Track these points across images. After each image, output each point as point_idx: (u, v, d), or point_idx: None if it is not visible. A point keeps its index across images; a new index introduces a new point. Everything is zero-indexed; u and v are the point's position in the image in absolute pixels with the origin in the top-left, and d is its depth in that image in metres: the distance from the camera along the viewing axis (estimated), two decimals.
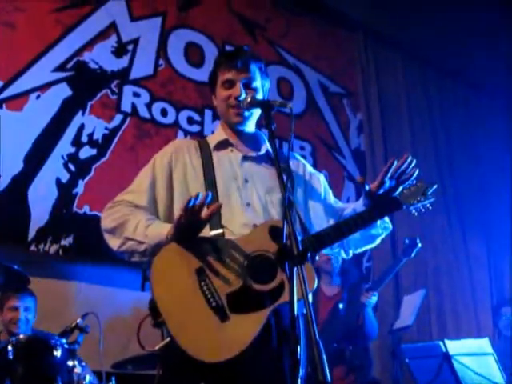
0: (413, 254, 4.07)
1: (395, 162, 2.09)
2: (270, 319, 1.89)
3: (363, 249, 2.33)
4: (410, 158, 2.11)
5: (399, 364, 4.33)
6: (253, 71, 2.22)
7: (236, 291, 1.88)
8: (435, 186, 2.22)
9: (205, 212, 1.90)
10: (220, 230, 2.02)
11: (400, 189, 2.15)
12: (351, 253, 2.33)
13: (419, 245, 4.05)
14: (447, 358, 3.66)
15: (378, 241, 2.31)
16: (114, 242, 2.08)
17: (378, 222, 2.20)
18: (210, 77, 2.31)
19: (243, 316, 1.85)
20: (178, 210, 2.10)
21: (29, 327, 3.72)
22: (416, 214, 2.21)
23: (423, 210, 2.21)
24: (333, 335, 4.05)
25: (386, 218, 2.26)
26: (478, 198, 6.72)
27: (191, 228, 1.93)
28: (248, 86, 2.20)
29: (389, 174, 2.10)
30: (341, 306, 4.20)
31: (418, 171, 2.13)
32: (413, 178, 2.15)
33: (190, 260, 1.92)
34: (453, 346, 3.71)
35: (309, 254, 1.91)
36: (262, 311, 1.86)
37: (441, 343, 3.74)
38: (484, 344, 3.87)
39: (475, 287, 6.31)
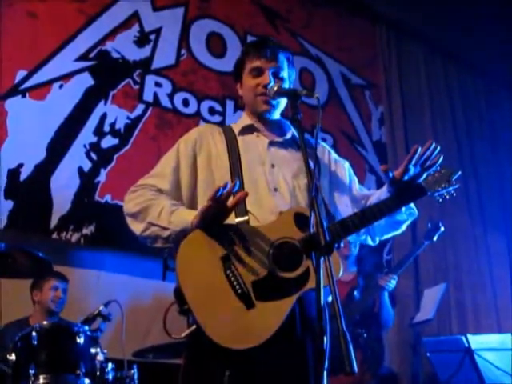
0: (435, 238, 4.03)
1: (419, 149, 2.05)
2: (294, 307, 1.87)
3: (389, 235, 2.31)
4: (433, 145, 2.07)
5: (419, 357, 4.30)
6: (281, 61, 2.21)
7: (261, 279, 1.87)
8: (459, 172, 2.18)
9: (231, 200, 1.89)
10: (245, 217, 2.00)
11: (425, 175, 2.12)
12: (377, 240, 2.31)
13: (442, 229, 4.01)
14: (469, 352, 3.62)
15: (403, 227, 2.28)
16: (136, 227, 2.06)
17: (403, 208, 2.17)
18: (237, 65, 2.29)
19: (269, 303, 1.84)
20: (202, 196, 2.10)
21: (63, 308, 3.89)
22: (440, 200, 2.18)
23: (447, 197, 2.18)
24: (348, 320, 4.01)
25: (412, 204, 2.22)
26: (500, 193, 6.64)
27: (217, 216, 1.92)
28: (276, 75, 2.18)
29: (413, 161, 2.06)
30: (355, 292, 4.17)
31: (442, 157, 2.10)
32: (437, 165, 2.11)
33: (215, 247, 1.91)
34: (475, 341, 3.65)
35: (336, 245, 1.90)
36: (287, 298, 1.85)
37: (463, 338, 3.69)
38: (507, 339, 3.80)
39: (496, 283, 6.24)
